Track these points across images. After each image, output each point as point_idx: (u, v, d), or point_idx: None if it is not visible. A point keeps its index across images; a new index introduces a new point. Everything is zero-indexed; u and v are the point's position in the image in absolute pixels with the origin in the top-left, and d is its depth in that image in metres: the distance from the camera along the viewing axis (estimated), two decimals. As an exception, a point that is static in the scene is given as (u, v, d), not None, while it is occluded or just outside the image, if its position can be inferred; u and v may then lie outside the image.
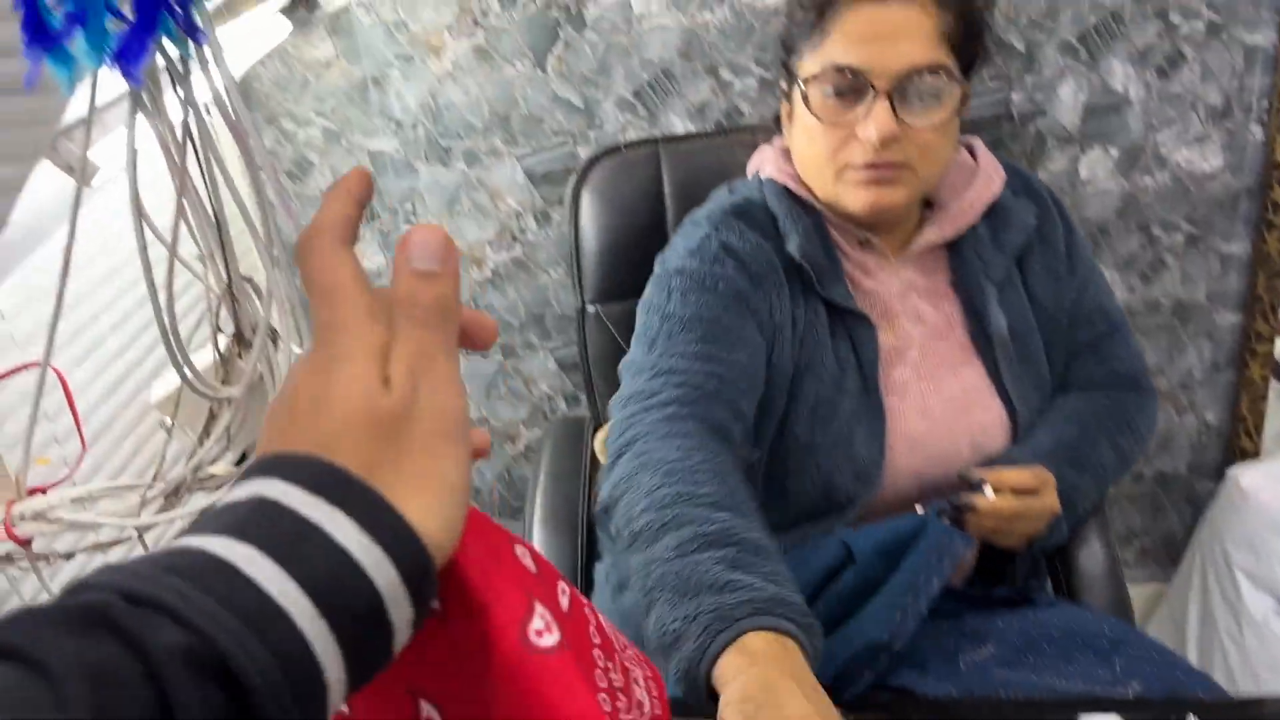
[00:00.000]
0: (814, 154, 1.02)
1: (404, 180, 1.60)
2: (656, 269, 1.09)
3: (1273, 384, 1.71)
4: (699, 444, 0.89)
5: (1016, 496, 1.00)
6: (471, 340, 0.47)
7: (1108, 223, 1.61)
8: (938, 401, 1.06)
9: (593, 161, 1.34)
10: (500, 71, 1.52)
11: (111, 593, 0.33)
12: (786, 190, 1.08)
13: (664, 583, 0.77)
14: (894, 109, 0.95)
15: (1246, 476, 1.65)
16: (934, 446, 1.06)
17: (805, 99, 1.00)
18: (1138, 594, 1.20)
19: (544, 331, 1.70)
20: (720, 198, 1.13)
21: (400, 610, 0.38)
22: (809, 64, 1.00)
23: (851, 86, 0.97)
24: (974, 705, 0.86)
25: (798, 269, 1.04)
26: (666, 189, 1.33)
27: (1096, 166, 1.58)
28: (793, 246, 1.04)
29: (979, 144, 1.13)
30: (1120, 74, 1.51)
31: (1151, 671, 0.93)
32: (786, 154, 1.10)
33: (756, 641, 0.70)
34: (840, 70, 0.96)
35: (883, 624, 0.89)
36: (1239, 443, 1.76)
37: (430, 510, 0.39)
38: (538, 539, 1.24)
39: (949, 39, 0.97)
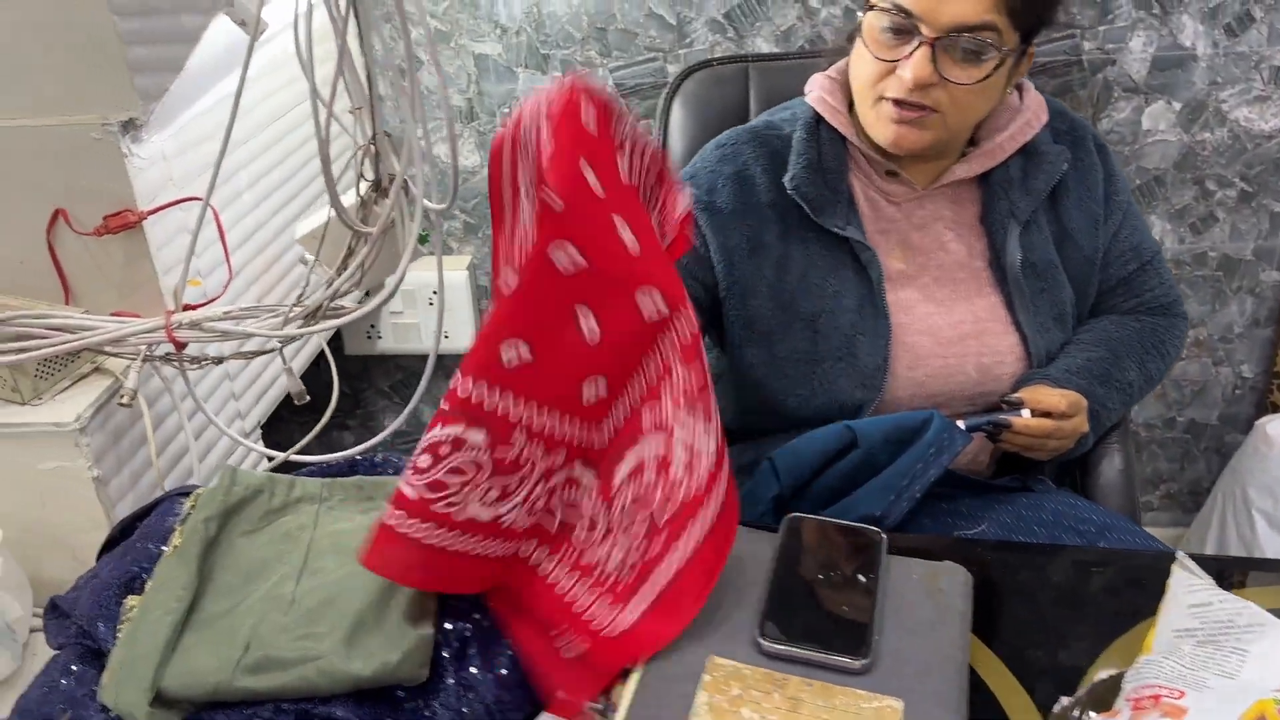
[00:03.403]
0: (861, 75, 1.10)
1: (504, 84, 1.71)
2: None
3: (1310, 344, 1.79)
4: None
5: (1050, 418, 1.09)
6: None
7: (1165, 174, 1.69)
8: (945, 323, 1.14)
9: (686, 74, 1.44)
10: (602, -14, 1.62)
11: None
12: (816, 119, 1.16)
13: None
14: (935, 58, 1.02)
15: (1274, 426, 1.73)
16: (937, 363, 1.14)
17: (862, 25, 1.07)
18: (1159, 538, 1.29)
19: (620, 238, 1.82)
20: (759, 119, 1.22)
21: None
22: None
23: (903, 26, 1.03)
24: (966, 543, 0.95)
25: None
26: (753, 106, 1.43)
27: (1159, 119, 1.65)
28: (788, 179, 1.13)
29: (1029, 86, 1.18)
30: (1190, 30, 1.58)
31: None
32: (837, 81, 1.17)
33: None
34: (895, 9, 1.03)
35: (878, 502, 1.00)
36: (1271, 397, 1.84)
37: None
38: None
39: (1008, 3, 1.01)
